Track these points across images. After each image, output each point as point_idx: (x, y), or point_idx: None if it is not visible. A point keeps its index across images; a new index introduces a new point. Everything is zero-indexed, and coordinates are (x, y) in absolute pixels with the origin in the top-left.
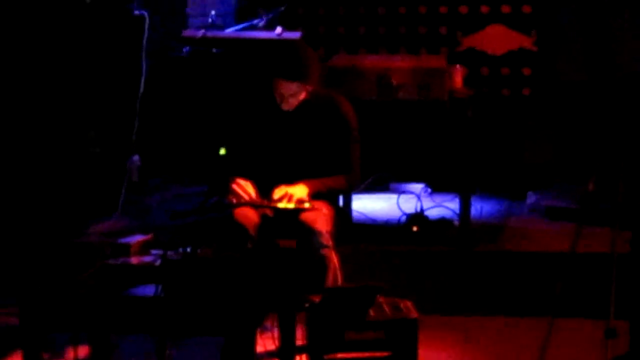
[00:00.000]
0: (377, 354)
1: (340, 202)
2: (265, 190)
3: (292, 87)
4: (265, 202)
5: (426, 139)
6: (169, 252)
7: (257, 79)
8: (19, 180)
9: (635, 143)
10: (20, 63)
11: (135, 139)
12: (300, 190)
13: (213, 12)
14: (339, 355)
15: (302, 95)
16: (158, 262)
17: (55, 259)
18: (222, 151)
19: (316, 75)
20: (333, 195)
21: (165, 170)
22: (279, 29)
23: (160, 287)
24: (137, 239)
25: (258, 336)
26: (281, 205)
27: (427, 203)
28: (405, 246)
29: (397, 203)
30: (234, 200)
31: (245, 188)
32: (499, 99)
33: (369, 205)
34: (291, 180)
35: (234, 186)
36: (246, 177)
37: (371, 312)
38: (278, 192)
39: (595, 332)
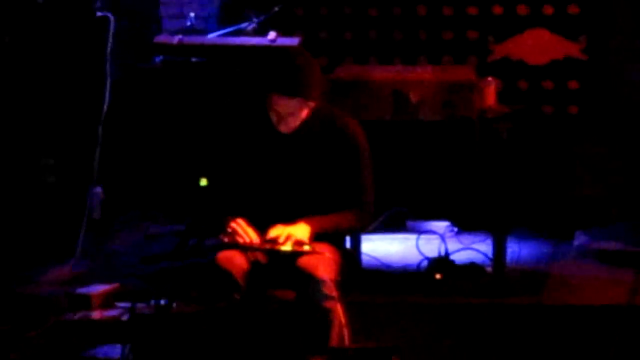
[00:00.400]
0: None
1: (348, 244)
2: (258, 230)
3: (291, 104)
4: (256, 244)
5: (451, 168)
6: (138, 305)
7: (246, 95)
8: None
9: None
10: None
11: (98, 167)
12: (300, 231)
13: (192, 14)
14: None
15: (304, 114)
16: (125, 317)
17: None
18: (203, 182)
19: (319, 89)
20: (340, 235)
21: (134, 205)
22: (272, 34)
23: (128, 348)
24: (99, 289)
25: None
26: (275, 247)
27: (452, 245)
28: (427, 297)
29: (417, 245)
30: (227, 240)
31: (247, 230)
32: (540, 118)
33: (382, 247)
34: (289, 218)
35: (234, 225)
36: (234, 214)
37: None
38: (273, 233)
39: None
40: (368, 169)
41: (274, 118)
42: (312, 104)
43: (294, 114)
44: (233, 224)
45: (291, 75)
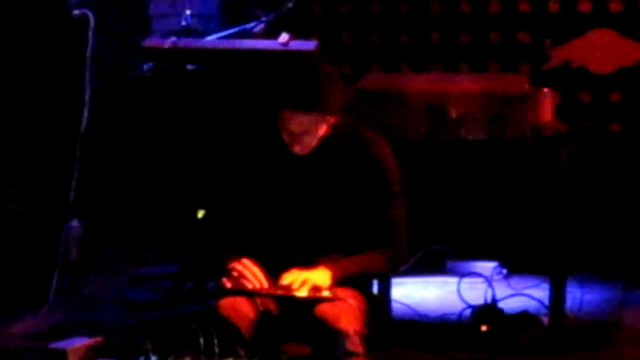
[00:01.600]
0: None
1: (375, 289)
2: (270, 274)
3: (307, 120)
4: (265, 289)
5: (500, 197)
6: None
7: (253, 110)
8: None
9: None
10: None
11: (74, 197)
12: (319, 277)
13: (188, 12)
14: None
15: (321, 132)
16: None
17: None
18: (201, 214)
19: (339, 101)
20: (366, 279)
21: (118, 243)
22: (285, 36)
23: None
24: (77, 342)
25: None
26: (289, 293)
27: (501, 290)
28: (471, 353)
29: (458, 290)
30: (229, 285)
31: (255, 273)
32: (606, 137)
33: (416, 292)
34: (305, 259)
35: (239, 267)
36: (239, 253)
37: None
38: (287, 279)
39: None
40: (399, 199)
41: (286, 137)
42: (331, 120)
43: (310, 132)
44: (238, 266)
45: (306, 86)
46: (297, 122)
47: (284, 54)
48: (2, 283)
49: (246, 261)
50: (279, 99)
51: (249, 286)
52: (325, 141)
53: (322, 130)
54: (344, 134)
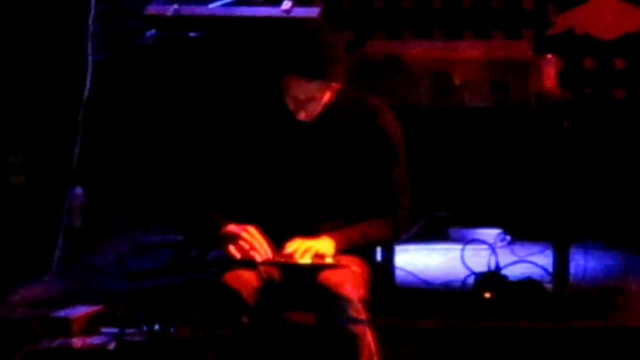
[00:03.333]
0: None
1: (379, 256)
2: (273, 242)
3: (311, 87)
4: (268, 258)
5: (503, 164)
6: (127, 331)
7: (256, 76)
8: None
9: None
10: None
11: (77, 166)
12: (323, 246)
13: None
14: None
15: (326, 99)
16: (112, 346)
17: None
18: None
19: (343, 68)
20: (370, 247)
21: (121, 210)
22: (287, 3)
23: None
24: (80, 311)
25: None
26: (292, 260)
27: (505, 257)
28: (474, 320)
29: (462, 257)
30: (237, 255)
31: (262, 243)
32: (610, 104)
33: (419, 260)
34: (309, 226)
35: (247, 236)
36: (244, 219)
37: None
38: (290, 247)
39: None
40: (403, 166)
41: (291, 104)
42: (335, 86)
43: (315, 98)
44: (245, 235)
45: (311, 53)
46: (302, 89)
47: (286, 21)
48: (4, 251)
49: (252, 230)
50: (284, 66)
51: (258, 258)
52: (329, 108)
53: (327, 97)
54: (348, 101)
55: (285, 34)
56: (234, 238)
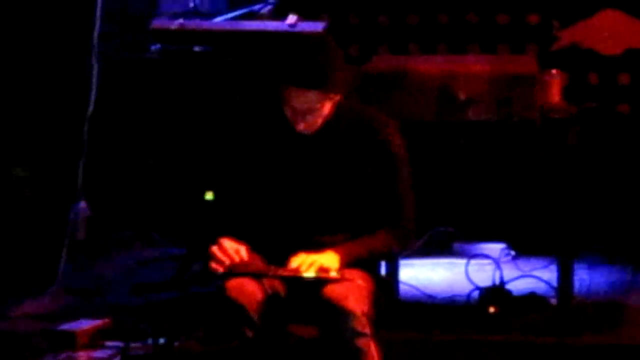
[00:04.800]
0: None
1: (383, 270)
2: (276, 257)
3: (310, 98)
4: (272, 270)
5: (508, 179)
6: (132, 344)
7: (259, 90)
8: None
9: None
10: None
11: (82, 179)
12: (328, 259)
13: None
14: None
15: (325, 110)
16: (117, 359)
17: None
18: (209, 196)
19: (342, 79)
20: (374, 260)
21: (125, 224)
22: (292, 18)
23: None
24: (85, 325)
25: None
26: (296, 273)
27: (509, 272)
28: (478, 335)
29: (466, 271)
30: (219, 269)
31: (228, 250)
32: (615, 118)
33: (424, 274)
34: (314, 241)
35: (215, 249)
36: (246, 235)
37: None
38: (295, 261)
39: None
40: (406, 178)
41: (290, 115)
42: (335, 98)
43: (313, 109)
44: (214, 249)
45: (309, 64)
46: (301, 99)
47: (291, 36)
48: (9, 264)
49: (222, 240)
50: (283, 76)
51: (226, 262)
52: (330, 120)
53: (327, 108)
54: (349, 114)
55: (285, 45)
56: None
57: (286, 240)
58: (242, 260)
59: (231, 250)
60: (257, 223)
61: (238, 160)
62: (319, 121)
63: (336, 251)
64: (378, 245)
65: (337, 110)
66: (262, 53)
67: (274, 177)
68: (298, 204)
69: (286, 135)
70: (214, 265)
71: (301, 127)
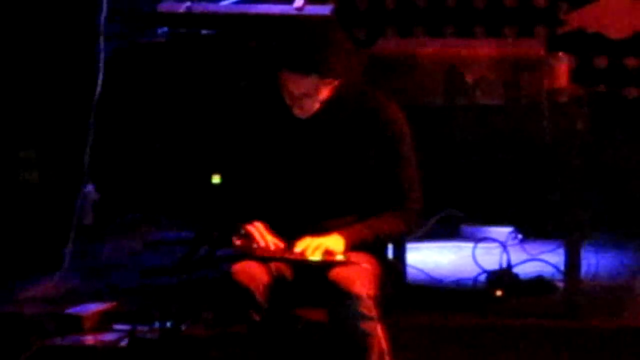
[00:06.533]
0: None
1: (390, 253)
2: (282, 239)
3: (305, 83)
4: (279, 253)
5: (514, 163)
6: (139, 328)
7: (264, 73)
8: None
9: None
10: None
11: (89, 162)
12: (333, 243)
13: None
14: None
15: (323, 95)
16: (124, 343)
17: None
18: (216, 179)
19: (342, 65)
20: (381, 243)
21: (133, 207)
22: (299, 1)
23: None
24: (92, 308)
25: None
26: (302, 257)
27: (516, 255)
28: (485, 318)
29: (473, 255)
30: (239, 243)
31: (264, 234)
32: (622, 102)
33: (431, 257)
34: (320, 224)
35: (250, 227)
36: (254, 216)
37: None
38: (301, 245)
39: None
40: (411, 159)
41: (287, 100)
42: (334, 83)
43: (309, 94)
44: (249, 227)
45: (304, 49)
46: (296, 84)
47: (290, 20)
48: (17, 248)
49: (258, 224)
50: (278, 61)
51: (261, 244)
52: (331, 104)
53: (324, 94)
54: (351, 97)
55: (283, 30)
56: (243, 232)
57: (292, 224)
58: (267, 247)
59: (268, 237)
60: (263, 206)
61: (243, 145)
62: (316, 106)
63: (341, 234)
64: (384, 226)
65: (339, 93)
66: (270, 36)
67: (277, 161)
68: (302, 188)
69: (287, 120)
70: (237, 240)
71: (297, 111)
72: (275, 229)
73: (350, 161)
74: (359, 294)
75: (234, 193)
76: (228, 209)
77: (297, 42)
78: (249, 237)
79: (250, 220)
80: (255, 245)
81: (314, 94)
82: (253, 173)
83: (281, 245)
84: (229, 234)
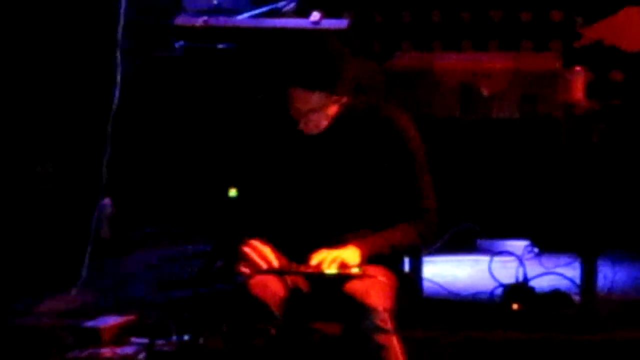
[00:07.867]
0: None
1: (406, 266)
2: (298, 255)
3: (312, 99)
4: (294, 267)
5: (531, 176)
6: (157, 341)
7: (277, 88)
8: None
9: None
10: None
11: (106, 176)
12: (349, 255)
13: None
14: None
15: (331, 112)
16: (142, 356)
17: None
18: (233, 192)
19: (347, 81)
20: (397, 255)
21: (149, 221)
22: (316, 15)
23: None
24: (110, 321)
25: None
26: (318, 270)
27: (532, 269)
28: (502, 332)
29: (489, 268)
30: (247, 270)
31: (264, 253)
32: (638, 115)
33: (447, 271)
34: (335, 238)
35: (247, 249)
36: (268, 232)
37: None
38: (317, 258)
39: None
40: (424, 170)
41: (295, 116)
42: (341, 99)
43: (317, 110)
44: (246, 249)
45: (311, 65)
46: (303, 100)
47: (313, 33)
48: (34, 261)
49: (254, 242)
50: (285, 77)
51: (262, 266)
52: (341, 120)
53: (332, 110)
54: (362, 112)
55: (290, 45)
56: (243, 256)
57: (307, 238)
58: (270, 265)
59: (263, 253)
60: (278, 221)
61: (258, 159)
62: (324, 122)
63: (357, 246)
64: (400, 238)
65: (349, 107)
66: (287, 50)
67: (290, 176)
68: (316, 202)
69: (299, 135)
70: (243, 267)
71: (305, 128)
72: (290, 244)
73: (364, 174)
74: (375, 307)
75: (249, 208)
76: (239, 224)
77: (303, 57)
78: (249, 260)
79: (259, 235)
80: (263, 267)
81: (322, 110)
82: (266, 188)
83: (283, 259)
84: (237, 252)
